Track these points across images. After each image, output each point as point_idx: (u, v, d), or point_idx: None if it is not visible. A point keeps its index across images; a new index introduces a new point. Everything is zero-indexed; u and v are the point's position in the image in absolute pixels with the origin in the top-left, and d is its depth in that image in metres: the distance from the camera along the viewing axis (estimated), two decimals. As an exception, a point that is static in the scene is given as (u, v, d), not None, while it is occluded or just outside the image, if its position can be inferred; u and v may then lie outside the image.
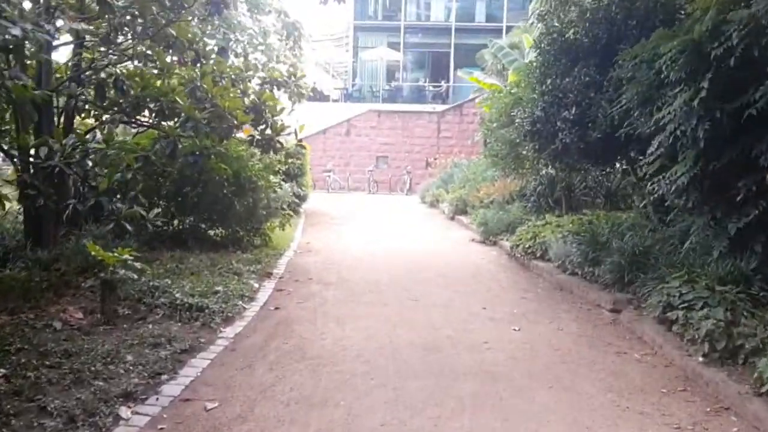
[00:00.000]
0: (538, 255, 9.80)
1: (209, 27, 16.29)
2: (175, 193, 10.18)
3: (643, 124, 6.70)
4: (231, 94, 8.57)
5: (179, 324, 6.07)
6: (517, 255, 10.37)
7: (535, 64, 9.34)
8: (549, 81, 8.81)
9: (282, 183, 14.05)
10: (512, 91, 13.24)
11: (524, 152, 11.49)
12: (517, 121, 10.50)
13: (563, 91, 8.51)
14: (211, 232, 10.94)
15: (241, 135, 10.33)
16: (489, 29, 31.78)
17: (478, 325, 6.58)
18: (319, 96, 33.74)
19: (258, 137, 9.55)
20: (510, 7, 34.36)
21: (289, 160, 15.32)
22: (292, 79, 19.43)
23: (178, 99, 7.68)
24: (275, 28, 19.30)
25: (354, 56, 34.78)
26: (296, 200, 16.31)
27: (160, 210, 9.42)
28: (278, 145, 9.65)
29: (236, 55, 19.22)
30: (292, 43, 19.10)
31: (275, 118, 10.04)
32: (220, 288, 7.24)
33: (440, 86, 33.25)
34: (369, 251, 11.43)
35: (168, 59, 8.73)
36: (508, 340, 6.03)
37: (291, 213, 14.10)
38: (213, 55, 9.97)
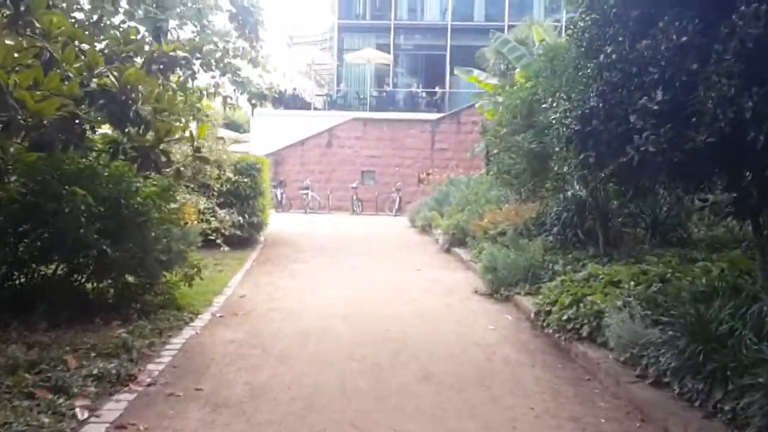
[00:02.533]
0: (584, 334, 6.10)
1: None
2: (10, 232, 6.50)
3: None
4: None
5: None
6: (547, 328, 6.67)
7: (581, 24, 5.68)
8: (611, 48, 5.13)
9: (216, 209, 10.39)
10: (527, 85, 9.60)
11: (561, 167, 7.77)
12: (553, 117, 6.83)
13: (639, 63, 4.84)
14: (90, 285, 7.30)
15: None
16: (489, 29, 28.13)
17: None
18: (300, 103, 30.23)
19: (125, 144, 5.79)
20: (512, 3, 30.90)
21: (235, 178, 11.62)
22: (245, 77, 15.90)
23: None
24: (228, 15, 15.69)
25: (338, 59, 31.24)
26: (241, 231, 12.58)
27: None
28: (163, 159, 5.88)
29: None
30: (247, 32, 15.46)
31: (175, 117, 6.40)
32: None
33: (435, 92, 29.69)
34: (326, 315, 7.71)
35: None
36: None
37: (224, 248, 10.41)
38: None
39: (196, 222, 10.41)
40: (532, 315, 7.15)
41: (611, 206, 10.09)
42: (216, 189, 11.06)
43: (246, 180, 12.90)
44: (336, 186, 25.82)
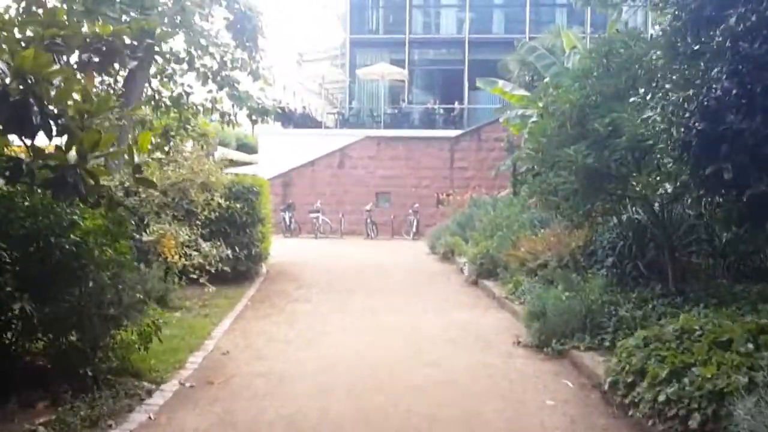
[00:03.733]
0: (694, 425, 4.20)
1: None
2: None
3: None
4: None
5: None
6: (633, 409, 4.77)
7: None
8: (746, 7, 3.34)
9: (200, 242, 8.66)
10: (575, 86, 7.77)
11: (626, 186, 5.92)
12: (650, 116, 5.02)
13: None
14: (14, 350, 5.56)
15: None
16: (509, 42, 26.32)
17: None
18: (310, 122, 28.68)
19: (32, 163, 4.02)
20: (533, 15, 29.24)
21: (225, 204, 9.89)
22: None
23: None
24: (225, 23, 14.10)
25: (351, 76, 29.66)
26: (237, 264, 10.86)
27: None
28: (91, 182, 4.10)
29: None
30: (245, 40, 13.85)
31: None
32: None
33: (453, 109, 27.95)
34: (327, 386, 5.88)
35: None
36: None
37: (209, 287, 8.65)
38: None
39: (177, 258, 8.67)
40: (606, 385, 5.27)
41: (674, 231, 8.23)
42: (203, 217, 9.33)
43: (241, 205, 11.15)
44: (349, 209, 24.08)
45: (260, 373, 6.13)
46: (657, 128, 4.97)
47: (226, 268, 8.94)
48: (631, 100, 6.09)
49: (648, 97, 5.63)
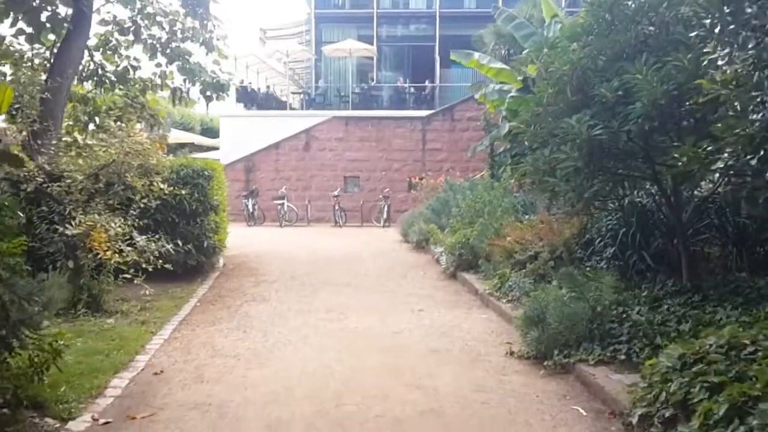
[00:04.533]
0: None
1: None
2: None
3: None
4: None
5: None
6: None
7: None
8: None
9: (135, 235, 7.35)
10: (573, 46, 6.58)
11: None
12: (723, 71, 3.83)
13: None
14: None
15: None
16: (481, 16, 25.00)
17: None
18: (275, 103, 27.20)
19: None
20: (507, -11, 27.98)
21: (168, 190, 8.54)
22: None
23: None
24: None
25: (316, 53, 28.15)
26: (187, 259, 9.60)
27: None
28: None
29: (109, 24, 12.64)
30: (195, 7, 12.40)
31: None
32: None
33: (424, 87, 26.68)
34: (280, 420, 4.67)
35: None
36: None
37: (147, 290, 7.31)
38: None
39: (109, 253, 7.33)
40: (634, 418, 4.13)
41: (684, 215, 7.17)
42: (142, 205, 7.98)
43: (189, 191, 9.81)
44: (315, 194, 22.78)
45: (196, 404, 4.88)
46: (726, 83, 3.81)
47: (167, 266, 7.62)
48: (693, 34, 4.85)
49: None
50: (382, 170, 22.89)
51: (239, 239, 15.41)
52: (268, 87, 28.49)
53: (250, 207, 21.35)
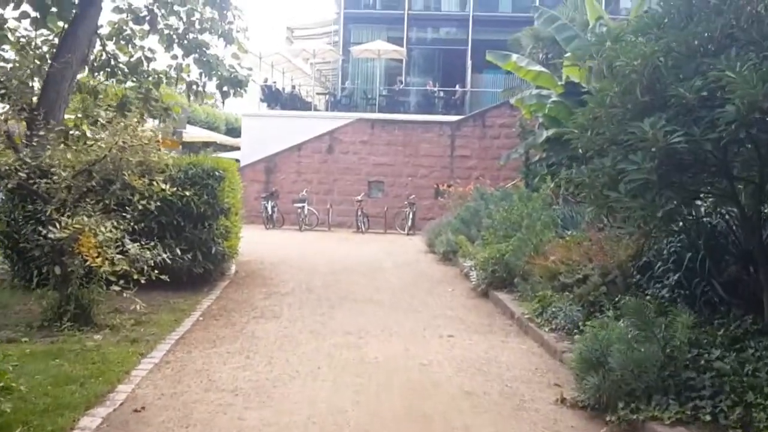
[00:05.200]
0: None
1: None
2: None
3: None
4: None
5: None
6: None
7: None
8: None
9: (126, 242, 6.46)
10: (640, 40, 5.54)
11: None
12: None
13: None
14: None
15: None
16: (516, 21, 23.99)
17: None
18: (299, 104, 26.38)
19: None
20: (544, -8, 26.90)
21: (172, 190, 7.62)
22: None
23: None
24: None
25: (344, 54, 27.29)
26: (193, 266, 8.73)
27: None
28: None
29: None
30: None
31: None
32: None
33: (454, 92, 25.68)
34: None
35: None
36: None
37: (138, 304, 6.36)
38: None
39: (100, 260, 6.43)
40: None
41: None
42: (140, 206, 7.08)
43: (196, 193, 8.93)
44: (338, 198, 21.89)
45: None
46: None
47: (164, 277, 6.70)
48: None
49: None
50: (408, 176, 21.92)
51: (255, 244, 14.58)
52: (293, 87, 27.69)
53: (269, 209, 20.52)
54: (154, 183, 7.25)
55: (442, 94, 25.72)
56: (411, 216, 20.36)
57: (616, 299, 6.48)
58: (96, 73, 12.04)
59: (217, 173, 9.56)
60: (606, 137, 5.67)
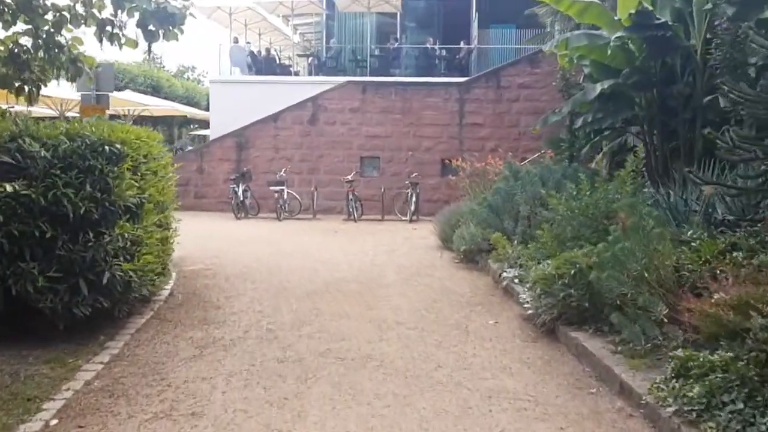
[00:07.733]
0: None
1: None
2: None
3: None
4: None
5: None
6: None
7: None
8: None
9: None
10: None
11: None
12: None
13: None
14: None
15: None
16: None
17: None
18: (277, 68, 22.49)
19: None
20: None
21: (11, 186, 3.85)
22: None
23: None
24: None
25: (329, 8, 23.34)
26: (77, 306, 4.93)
27: None
28: None
29: None
30: None
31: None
32: None
33: (459, 50, 21.83)
34: None
35: None
36: None
37: None
38: None
39: None
40: None
41: None
42: None
43: (73, 183, 5.19)
44: (324, 179, 18.14)
45: None
46: None
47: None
48: None
49: None
50: (408, 149, 18.15)
51: (216, 240, 10.96)
52: (268, 50, 23.73)
53: (240, 194, 16.74)
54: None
55: (444, 53, 21.86)
56: (413, 199, 16.64)
57: None
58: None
59: (114, 149, 5.78)
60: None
